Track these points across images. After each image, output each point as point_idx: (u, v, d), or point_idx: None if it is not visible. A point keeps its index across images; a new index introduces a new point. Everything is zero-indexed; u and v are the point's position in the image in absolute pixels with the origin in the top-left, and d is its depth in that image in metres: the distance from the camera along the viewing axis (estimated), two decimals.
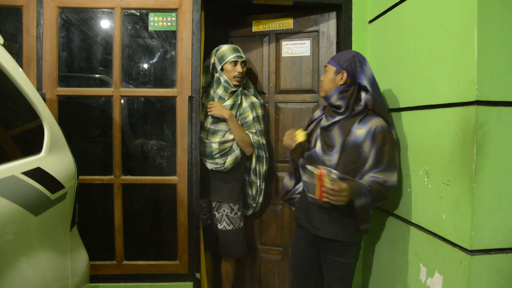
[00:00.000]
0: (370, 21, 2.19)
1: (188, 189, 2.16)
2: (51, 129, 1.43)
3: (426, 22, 1.62)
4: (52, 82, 2.09)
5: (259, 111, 2.33)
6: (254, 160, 2.30)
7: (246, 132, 2.28)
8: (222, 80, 2.25)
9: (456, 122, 1.40)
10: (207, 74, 2.34)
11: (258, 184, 2.37)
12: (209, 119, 2.27)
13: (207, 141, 2.26)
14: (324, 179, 1.54)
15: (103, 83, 2.22)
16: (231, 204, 2.31)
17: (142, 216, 2.33)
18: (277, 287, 2.54)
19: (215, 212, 2.34)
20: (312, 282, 1.85)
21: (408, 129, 1.77)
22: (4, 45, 1.34)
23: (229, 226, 2.31)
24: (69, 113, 2.19)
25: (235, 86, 2.25)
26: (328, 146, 1.73)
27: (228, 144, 2.25)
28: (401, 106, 1.82)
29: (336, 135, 1.71)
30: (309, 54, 2.39)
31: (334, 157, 1.69)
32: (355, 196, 1.57)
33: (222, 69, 2.26)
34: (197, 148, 2.15)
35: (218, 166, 2.25)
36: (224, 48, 2.27)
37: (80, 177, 1.65)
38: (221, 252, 2.38)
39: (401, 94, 1.84)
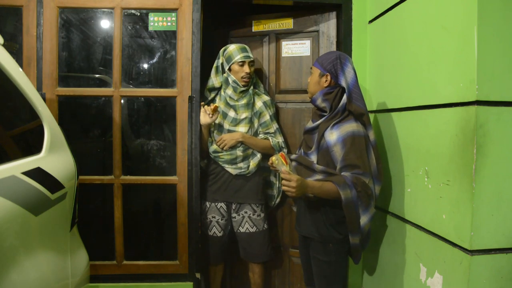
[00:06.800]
0: (370, 21, 2.19)
1: (188, 189, 2.16)
2: (51, 129, 1.43)
3: (426, 22, 1.62)
4: (52, 82, 2.09)
5: (273, 109, 2.31)
6: None
7: (264, 133, 2.25)
8: (230, 81, 2.19)
9: (456, 122, 1.40)
10: (219, 75, 2.26)
11: (278, 185, 2.34)
12: (226, 124, 2.21)
13: (229, 149, 2.18)
14: (284, 160, 1.64)
15: (103, 83, 2.22)
16: (253, 205, 2.23)
17: (142, 216, 2.32)
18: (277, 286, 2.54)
19: (235, 214, 2.25)
20: (311, 274, 1.90)
21: (408, 129, 1.77)
22: (4, 45, 1.35)
23: (252, 228, 2.23)
24: (69, 113, 2.20)
25: (243, 86, 2.18)
26: (308, 147, 1.79)
27: (251, 150, 2.22)
28: (401, 106, 1.82)
29: (315, 137, 1.75)
30: (309, 54, 2.38)
31: (313, 158, 1.74)
32: (340, 187, 1.57)
33: (230, 69, 2.19)
34: (197, 148, 2.14)
35: (243, 170, 2.19)
36: (231, 48, 2.19)
37: (80, 177, 1.65)
38: (242, 256, 2.31)
39: (401, 94, 1.84)
